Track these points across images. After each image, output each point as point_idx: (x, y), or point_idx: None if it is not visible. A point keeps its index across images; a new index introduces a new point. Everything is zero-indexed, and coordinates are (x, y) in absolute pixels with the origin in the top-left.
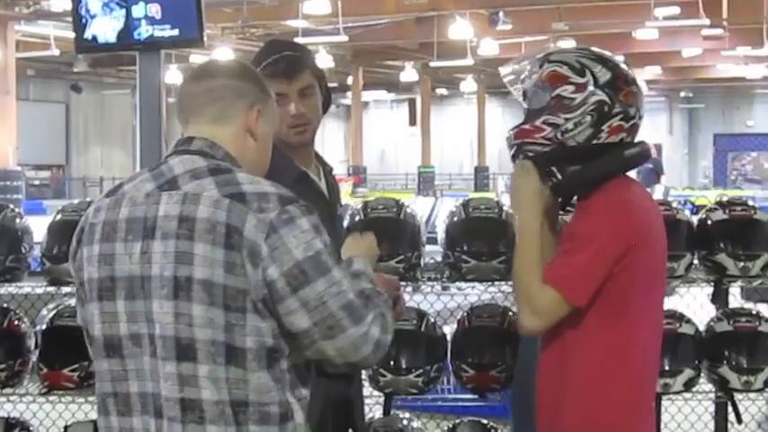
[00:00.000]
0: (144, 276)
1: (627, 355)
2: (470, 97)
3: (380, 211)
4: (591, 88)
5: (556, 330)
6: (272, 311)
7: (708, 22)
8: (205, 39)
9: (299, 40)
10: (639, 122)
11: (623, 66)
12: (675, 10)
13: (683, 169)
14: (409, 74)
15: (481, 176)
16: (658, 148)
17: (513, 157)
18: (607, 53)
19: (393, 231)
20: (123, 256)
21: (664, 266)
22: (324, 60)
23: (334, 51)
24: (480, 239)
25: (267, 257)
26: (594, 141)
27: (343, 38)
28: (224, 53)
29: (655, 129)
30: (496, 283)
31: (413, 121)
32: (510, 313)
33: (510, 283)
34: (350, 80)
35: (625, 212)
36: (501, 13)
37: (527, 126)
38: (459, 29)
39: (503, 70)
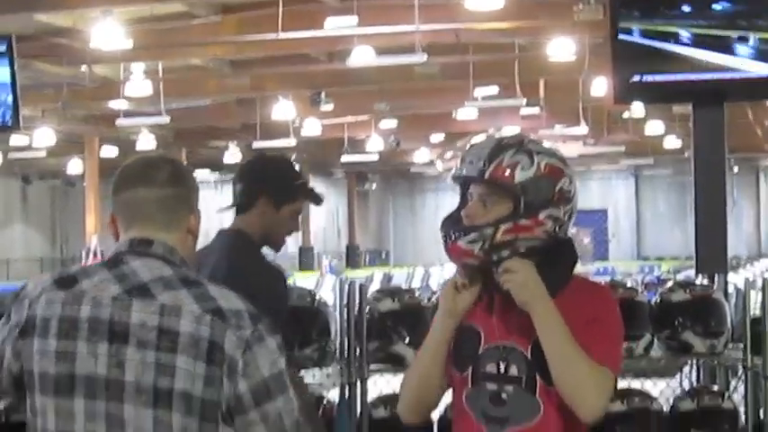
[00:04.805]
0: (110, 379)
1: None
2: None
3: None
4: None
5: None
6: (231, 421)
7: (524, 101)
8: (22, 123)
9: (121, 121)
10: None
11: None
12: (494, 90)
13: None
14: (233, 154)
15: (306, 256)
16: None
17: (494, 252)
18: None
19: None
20: (86, 356)
21: None
22: (146, 141)
23: (157, 132)
24: (294, 328)
25: (241, 371)
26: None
27: (165, 119)
28: (45, 133)
29: None
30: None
31: None
32: None
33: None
34: None
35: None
36: (323, 94)
37: (525, 222)
38: (282, 109)
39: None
